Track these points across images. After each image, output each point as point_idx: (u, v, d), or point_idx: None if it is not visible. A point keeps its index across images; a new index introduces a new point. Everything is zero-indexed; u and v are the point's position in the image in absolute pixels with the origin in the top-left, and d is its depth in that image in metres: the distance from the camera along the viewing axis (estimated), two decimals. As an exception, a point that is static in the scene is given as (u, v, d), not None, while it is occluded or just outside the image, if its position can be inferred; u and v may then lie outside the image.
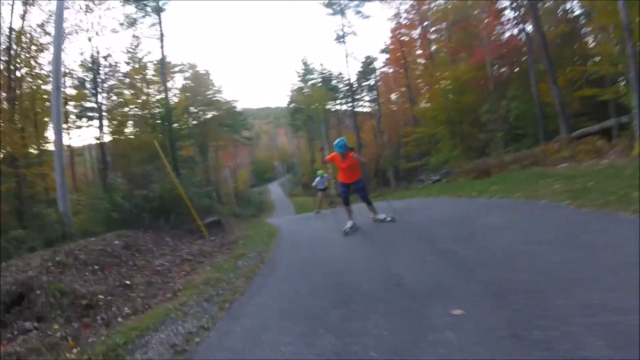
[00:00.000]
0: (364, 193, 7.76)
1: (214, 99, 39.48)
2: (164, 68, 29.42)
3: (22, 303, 4.55)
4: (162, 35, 28.77)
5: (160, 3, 28.88)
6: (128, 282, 5.79)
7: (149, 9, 28.64)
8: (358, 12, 37.01)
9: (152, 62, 29.63)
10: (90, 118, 26.85)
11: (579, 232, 4.51)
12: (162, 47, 28.99)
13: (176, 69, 34.79)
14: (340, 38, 37.45)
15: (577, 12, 25.56)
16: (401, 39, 34.40)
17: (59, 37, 10.32)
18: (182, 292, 5.22)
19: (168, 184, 10.10)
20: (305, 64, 48.08)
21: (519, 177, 11.66)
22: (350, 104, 45.39)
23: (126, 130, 27.82)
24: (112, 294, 5.25)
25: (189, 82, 37.26)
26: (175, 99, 32.49)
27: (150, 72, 29.76)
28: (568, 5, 24.78)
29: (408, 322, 2.98)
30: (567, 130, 16.65)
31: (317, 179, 15.98)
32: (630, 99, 11.97)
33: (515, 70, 26.58)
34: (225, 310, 4.22)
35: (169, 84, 31.12)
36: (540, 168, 13.13)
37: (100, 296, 5.05)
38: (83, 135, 42.76)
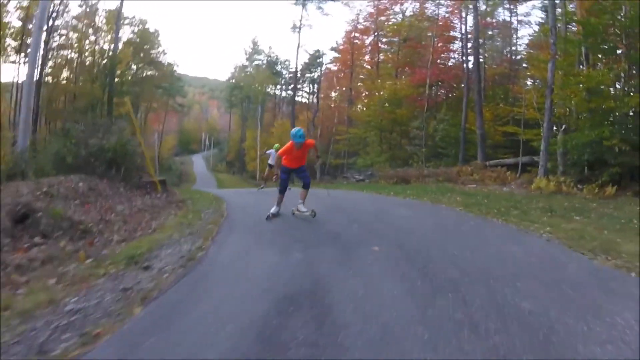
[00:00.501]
0: (307, 174, 7.60)
1: (157, 59, 38.62)
2: (119, 20, 28.59)
3: (26, 222, 5.14)
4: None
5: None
6: (107, 218, 6.46)
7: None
8: (320, 8, 38.02)
9: (104, 9, 28.71)
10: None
11: (457, 224, 6.65)
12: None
13: (126, 21, 33.67)
14: (296, 28, 38.19)
15: (519, 57, 28.73)
16: (354, 42, 35.76)
17: None
18: (160, 230, 6.21)
19: (123, 139, 10.43)
20: (254, 44, 48.25)
21: (432, 188, 13.35)
22: (290, 92, 46.31)
23: (63, 74, 26.80)
24: (99, 224, 5.97)
25: (135, 37, 36.12)
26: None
27: (99, 19, 28.85)
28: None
29: (344, 252, 4.70)
30: (483, 158, 18.87)
31: (272, 152, 14.26)
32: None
33: (450, 95, 28.99)
34: (211, 240, 5.48)
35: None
36: (451, 184, 14.94)
37: (90, 224, 5.77)
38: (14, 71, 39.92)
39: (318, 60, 44.09)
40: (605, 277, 3.61)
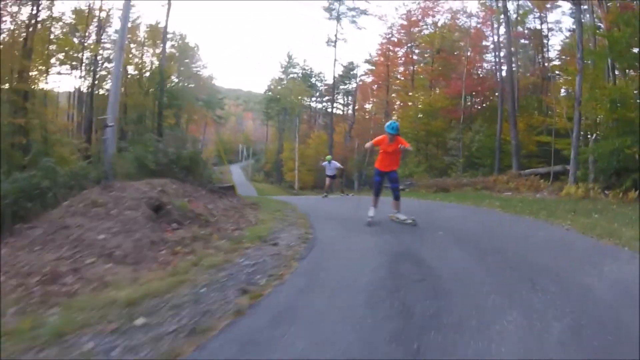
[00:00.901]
0: (397, 185, 7.81)
1: (198, 73, 41.11)
2: (165, 35, 31.11)
3: (160, 212, 6.82)
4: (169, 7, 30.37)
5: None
6: (213, 213, 8.25)
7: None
8: (353, 22, 39.83)
9: (146, 24, 31.18)
10: (74, 67, 28.18)
11: (497, 219, 8.57)
12: (168, 13, 30.70)
13: (168, 36, 36.33)
14: (331, 42, 40.11)
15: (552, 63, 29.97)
16: (388, 54, 37.51)
17: (127, 8, 12.50)
18: (260, 222, 8.03)
19: (197, 149, 12.55)
20: (289, 57, 50.41)
21: (471, 195, 15.01)
22: (325, 104, 48.36)
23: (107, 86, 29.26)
24: (210, 217, 7.78)
25: (175, 51, 38.68)
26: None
27: (141, 34, 31.40)
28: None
29: (419, 236, 6.46)
30: (518, 167, 20.30)
31: (325, 163, 17.04)
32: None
33: (485, 105, 30.39)
34: (310, 228, 7.33)
35: (157, 50, 32.77)
36: (488, 192, 16.48)
37: (206, 216, 7.62)
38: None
39: (352, 72, 45.94)
40: (603, 249, 5.33)
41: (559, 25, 30.48)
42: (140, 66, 30.45)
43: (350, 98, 48.29)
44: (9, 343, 2.62)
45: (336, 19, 39.54)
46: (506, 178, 18.72)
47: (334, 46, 40.15)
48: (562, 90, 24.83)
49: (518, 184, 17.08)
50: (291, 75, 49.87)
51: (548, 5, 28.63)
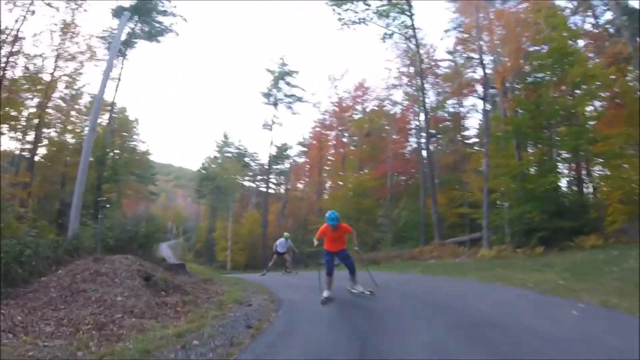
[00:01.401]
0: (351, 261, 8.29)
1: (134, 146, 41.32)
2: (113, 108, 31.83)
3: (150, 282, 8.42)
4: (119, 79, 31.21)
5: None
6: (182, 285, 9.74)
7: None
8: (289, 108, 42.63)
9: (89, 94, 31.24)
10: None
11: (417, 278, 10.91)
12: (116, 89, 31.63)
13: (107, 108, 36.14)
14: (267, 125, 42.65)
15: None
16: (321, 138, 40.23)
17: (102, 89, 13.62)
18: (226, 292, 9.65)
19: (152, 228, 13.43)
20: (226, 136, 52.04)
21: (399, 265, 16.94)
22: (258, 183, 49.99)
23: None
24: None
25: (114, 124, 38.57)
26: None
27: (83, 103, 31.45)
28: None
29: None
30: (440, 237, 22.60)
31: (281, 240, 16.99)
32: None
33: (410, 182, 33.03)
34: (273, 294, 9.21)
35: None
36: (415, 261, 18.38)
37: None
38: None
39: (285, 154, 48.11)
40: (491, 288, 7.01)
41: (475, 107, 34.51)
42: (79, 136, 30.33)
43: (283, 178, 50.20)
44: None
45: (273, 104, 42.30)
46: (430, 248, 20.84)
47: (270, 129, 42.62)
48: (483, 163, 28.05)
49: (441, 252, 19.19)
50: (226, 155, 51.16)
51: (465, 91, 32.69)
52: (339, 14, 27.53)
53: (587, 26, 22.18)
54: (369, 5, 26.48)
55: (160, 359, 4.44)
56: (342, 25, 27.84)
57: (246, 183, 53.57)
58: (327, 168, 41.57)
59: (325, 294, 7.80)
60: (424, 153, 29.34)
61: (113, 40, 13.05)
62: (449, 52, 30.91)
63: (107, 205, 11.37)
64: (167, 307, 7.19)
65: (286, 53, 65.31)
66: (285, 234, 17.63)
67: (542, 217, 15.82)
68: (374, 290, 8.02)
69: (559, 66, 17.31)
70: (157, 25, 31.19)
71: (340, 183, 36.68)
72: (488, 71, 21.45)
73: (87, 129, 30.13)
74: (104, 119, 32.23)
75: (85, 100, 31.51)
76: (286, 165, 50.05)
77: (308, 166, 44.01)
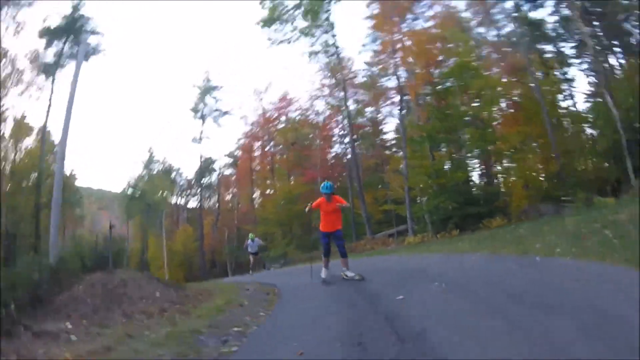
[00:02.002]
0: (343, 243, 8.21)
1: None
2: (44, 133, 31.91)
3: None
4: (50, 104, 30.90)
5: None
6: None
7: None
8: (216, 121, 44.01)
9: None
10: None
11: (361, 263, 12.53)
12: (48, 112, 31.27)
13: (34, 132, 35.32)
14: (196, 140, 44.11)
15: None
16: (249, 149, 42.14)
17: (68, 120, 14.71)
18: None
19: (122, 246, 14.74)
20: (150, 152, 52.00)
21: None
22: (187, 198, 51.66)
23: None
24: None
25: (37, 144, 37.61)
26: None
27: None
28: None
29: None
30: (371, 233, 25.37)
31: (249, 241, 18.65)
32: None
33: (337, 186, 35.72)
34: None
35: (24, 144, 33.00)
36: (352, 253, 20.72)
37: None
38: None
39: (211, 167, 48.98)
40: (412, 257, 9.57)
41: (392, 114, 37.98)
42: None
43: (213, 191, 51.25)
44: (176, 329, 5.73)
45: (201, 118, 43.56)
46: (364, 242, 23.46)
47: (199, 142, 44.06)
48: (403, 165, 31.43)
49: (373, 244, 21.87)
50: (153, 172, 51.08)
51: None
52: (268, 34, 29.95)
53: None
54: (296, 27, 29.04)
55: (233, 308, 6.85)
56: (271, 44, 30.33)
57: (175, 199, 54.25)
58: (254, 178, 43.68)
59: (324, 274, 8.33)
60: (349, 157, 32.29)
61: (74, 72, 14.14)
62: (367, 64, 34.17)
63: (113, 225, 12.73)
64: (189, 298, 8.86)
65: (212, 68, 66.27)
66: (251, 234, 19.40)
67: (454, 206, 19.01)
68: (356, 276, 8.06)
69: (461, 79, 20.72)
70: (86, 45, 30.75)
71: (270, 192, 39.05)
72: (403, 79, 24.79)
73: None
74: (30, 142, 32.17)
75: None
76: (215, 178, 51.20)
77: (236, 178, 46.09)
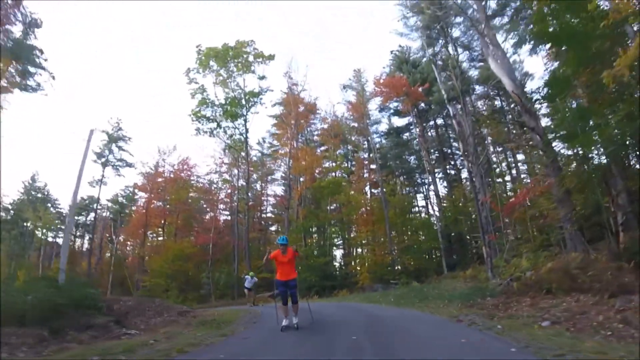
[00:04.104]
0: (296, 292, 9.30)
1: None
2: None
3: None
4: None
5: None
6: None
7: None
8: (116, 170, 47.77)
9: None
10: None
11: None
12: None
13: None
14: (93, 183, 46.94)
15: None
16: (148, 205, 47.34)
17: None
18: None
19: None
20: (33, 179, 55.14)
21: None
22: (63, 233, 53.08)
23: None
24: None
25: None
26: None
27: None
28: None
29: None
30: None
31: (248, 278, 23.43)
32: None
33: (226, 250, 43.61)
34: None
35: None
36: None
37: None
38: None
39: (90, 206, 53.23)
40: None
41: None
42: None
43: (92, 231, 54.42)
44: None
45: (102, 164, 46.51)
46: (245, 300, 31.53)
47: (97, 186, 46.71)
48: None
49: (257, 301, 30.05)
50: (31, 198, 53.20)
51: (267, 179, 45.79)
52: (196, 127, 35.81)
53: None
54: (220, 125, 35.88)
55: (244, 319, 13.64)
56: (197, 134, 36.14)
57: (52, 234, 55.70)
58: (151, 234, 48.92)
59: (284, 322, 9.26)
60: (236, 227, 40.47)
61: (83, 152, 18.53)
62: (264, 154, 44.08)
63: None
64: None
65: (122, 117, 68.70)
66: (250, 272, 24.85)
67: (317, 280, 28.69)
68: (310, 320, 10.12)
69: (332, 193, 31.15)
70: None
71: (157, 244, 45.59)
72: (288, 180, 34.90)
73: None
74: None
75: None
76: (90, 217, 54.92)
77: (130, 226, 49.43)
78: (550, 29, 14.17)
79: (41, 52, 26.57)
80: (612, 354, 5.14)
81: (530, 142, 22.57)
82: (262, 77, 35.71)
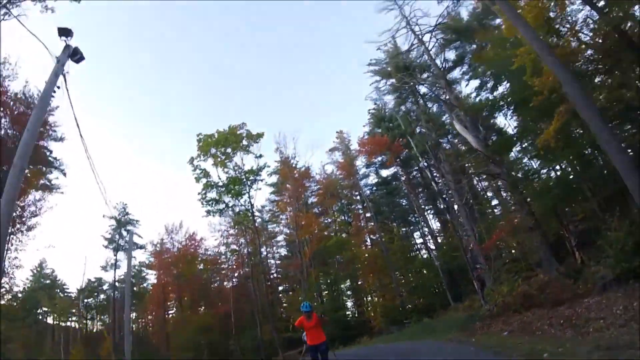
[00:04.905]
0: (326, 355, 9.73)
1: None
2: None
3: None
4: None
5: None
6: None
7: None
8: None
9: None
10: None
11: None
12: None
13: None
14: (105, 268, 51.62)
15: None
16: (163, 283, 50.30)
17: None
18: None
19: None
20: (41, 266, 57.89)
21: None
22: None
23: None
24: None
25: None
26: None
27: None
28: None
29: None
30: (282, 350, 36.76)
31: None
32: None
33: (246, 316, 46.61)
34: None
35: None
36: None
37: None
38: None
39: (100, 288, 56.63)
40: None
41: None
42: None
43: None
44: None
45: (114, 249, 50.27)
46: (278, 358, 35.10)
47: (110, 270, 51.07)
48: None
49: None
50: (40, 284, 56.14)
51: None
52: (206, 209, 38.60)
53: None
54: (228, 206, 38.67)
55: None
56: (207, 215, 38.66)
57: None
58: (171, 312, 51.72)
59: None
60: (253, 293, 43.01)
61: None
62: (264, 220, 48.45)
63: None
64: None
65: (128, 202, 71.74)
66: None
67: (338, 331, 32.53)
68: None
69: (338, 250, 35.50)
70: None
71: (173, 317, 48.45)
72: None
73: None
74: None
75: None
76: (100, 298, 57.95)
77: (149, 303, 52.69)
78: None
79: (50, 151, 30.74)
80: (534, 345, 9.40)
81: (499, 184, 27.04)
82: (259, 156, 38.54)
